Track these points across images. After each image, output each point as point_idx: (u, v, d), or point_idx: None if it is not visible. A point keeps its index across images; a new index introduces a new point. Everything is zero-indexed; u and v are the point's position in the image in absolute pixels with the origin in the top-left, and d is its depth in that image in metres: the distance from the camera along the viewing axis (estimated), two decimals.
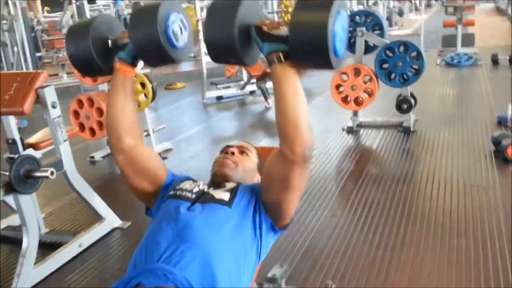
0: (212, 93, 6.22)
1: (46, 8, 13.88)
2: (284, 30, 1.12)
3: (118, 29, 1.40)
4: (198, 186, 1.39)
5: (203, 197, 1.32)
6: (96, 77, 3.23)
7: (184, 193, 1.35)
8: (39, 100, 2.22)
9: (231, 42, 1.12)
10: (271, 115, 5.39)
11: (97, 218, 2.69)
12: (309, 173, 1.28)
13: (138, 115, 1.41)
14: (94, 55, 1.31)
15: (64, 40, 1.33)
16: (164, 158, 3.97)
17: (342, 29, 1.10)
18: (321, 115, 4.85)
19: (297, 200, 1.31)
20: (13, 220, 2.72)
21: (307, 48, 1.08)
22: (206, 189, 1.38)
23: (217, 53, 1.18)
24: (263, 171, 1.35)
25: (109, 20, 1.39)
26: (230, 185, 1.37)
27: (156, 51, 1.26)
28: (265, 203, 1.30)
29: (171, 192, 1.37)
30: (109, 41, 1.35)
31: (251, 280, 1.27)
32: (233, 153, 1.48)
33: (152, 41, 1.25)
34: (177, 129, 4.92)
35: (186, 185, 1.39)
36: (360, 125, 4.38)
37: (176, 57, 1.30)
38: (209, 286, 1.11)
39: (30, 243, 2.18)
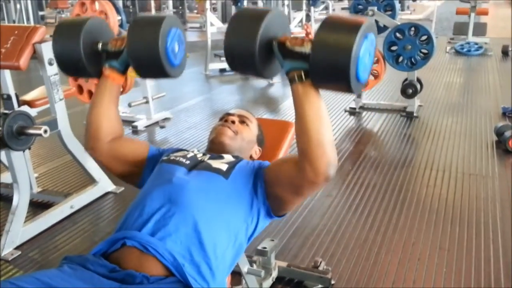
0: (215, 65, 6.14)
1: None
2: (307, 48, 1.04)
3: (107, 34, 1.34)
4: (193, 154, 1.35)
5: (199, 165, 1.28)
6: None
7: (178, 159, 1.31)
8: (36, 56, 2.17)
9: (251, 55, 1.05)
10: (273, 91, 5.32)
11: (90, 181, 2.67)
12: None
13: (119, 116, 1.39)
14: (83, 59, 1.24)
15: (52, 37, 1.27)
16: (162, 127, 3.93)
17: (368, 54, 1.01)
18: (324, 95, 4.70)
19: (301, 201, 1.26)
20: (6, 177, 2.69)
21: (327, 71, 1.00)
22: (202, 157, 1.34)
23: (235, 63, 1.11)
24: (272, 166, 1.26)
25: (100, 23, 1.33)
26: (228, 157, 1.33)
27: (154, 66, 1.21)
28: (267, 191, 1.23)
29: (165, 158, 1.34)
30: (99, 45, 1.28)
31: (235, 260, 1.21)
32: (233, 122, 1.43)
33: (151, 57, 1.19)
34: (177, 99, 4.87)
35: (180, 153, 1.36)
36: (363, 107, 4.33)
37: (171, 74, 1.26)
38: (198, 251, 1.07)
39: (20, 201, 2.15)
